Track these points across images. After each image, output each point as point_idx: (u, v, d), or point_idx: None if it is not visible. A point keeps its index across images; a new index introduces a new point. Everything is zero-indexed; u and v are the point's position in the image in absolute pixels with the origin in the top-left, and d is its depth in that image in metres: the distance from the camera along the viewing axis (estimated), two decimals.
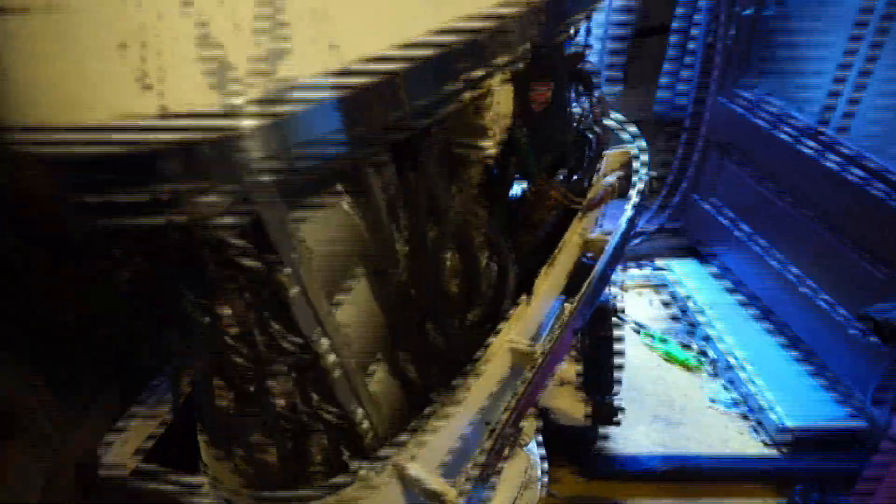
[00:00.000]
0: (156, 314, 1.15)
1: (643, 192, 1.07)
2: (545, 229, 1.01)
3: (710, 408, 2.21)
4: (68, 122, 0.45)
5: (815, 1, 2.10)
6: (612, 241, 0.96)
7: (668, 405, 2.23)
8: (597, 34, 2.57)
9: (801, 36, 2.16)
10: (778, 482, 1.91)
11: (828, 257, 2.03)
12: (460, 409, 0.79)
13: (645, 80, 2.74)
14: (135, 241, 0.59)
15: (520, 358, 0.85)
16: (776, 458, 1.96)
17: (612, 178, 1.09)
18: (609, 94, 2.71)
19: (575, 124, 1.03)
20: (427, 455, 0.74)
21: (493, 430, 0.76)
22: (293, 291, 0.64)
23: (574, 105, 1.04)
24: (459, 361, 0.89)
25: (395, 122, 0.55)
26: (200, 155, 0.45)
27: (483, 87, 0.66)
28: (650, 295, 2.70)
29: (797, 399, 2.02)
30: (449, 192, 0.78)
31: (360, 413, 0.80)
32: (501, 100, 0.74)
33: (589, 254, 0.98)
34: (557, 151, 0.94)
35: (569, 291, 0.98)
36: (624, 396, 2.25)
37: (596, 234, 0.98)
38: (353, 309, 0.81)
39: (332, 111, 0.51)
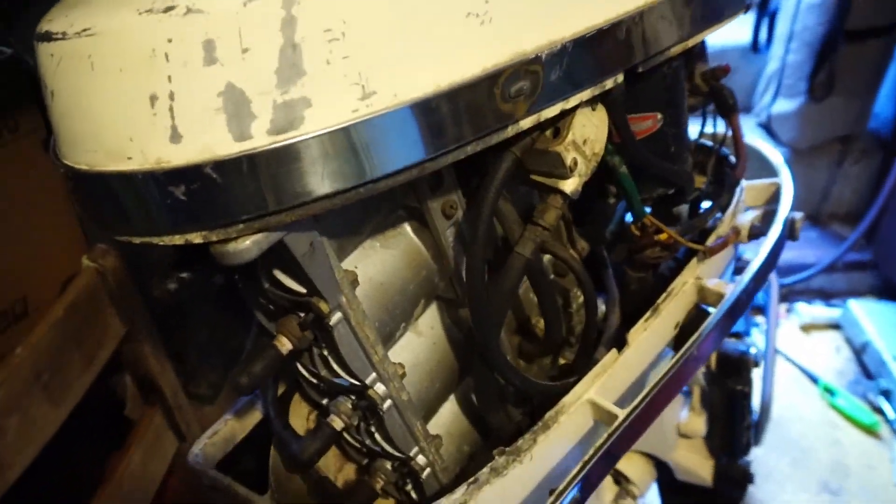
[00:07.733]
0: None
1: (783, 235, 0.90)
2: (661, 271, 0.89)
3: None
4: (111, 170, 0.47)
5: None
6: (732, 293, 0.81)
7: (843, 474, 1.90)
8: (781, 39, 2.25)
9: None
10: None
11: None
12: (525, 468, 0.71)
13: (858, 91, 2.36)
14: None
15: (600, 416, 0.76)
16: None
17: (748, 217, 0.93)
18: (787, 106, 2.38)
19: (700, 153, 0.89)
20: None
21: (557, 496, 0.68)
22: (333, 318, 0.62)
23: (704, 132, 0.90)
24: (532, 412, 0.81)
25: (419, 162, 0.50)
26: (208, 178, 0.45)
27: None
28: (838, 341, 2.33)
29: None
30: (518, 224, 0.71)
31: (414, 448, 0.76)
32: (587, 123, 0.64)
33: (705, 304, 0.84)
34: (670, 184, 0.81)
35: (675, 346, 0.85)
36: (789, 457, 1.97)
37: (715, 282, 0.83)
38: (417, 340, 0.78)
39: (353, 142, 0.47)
